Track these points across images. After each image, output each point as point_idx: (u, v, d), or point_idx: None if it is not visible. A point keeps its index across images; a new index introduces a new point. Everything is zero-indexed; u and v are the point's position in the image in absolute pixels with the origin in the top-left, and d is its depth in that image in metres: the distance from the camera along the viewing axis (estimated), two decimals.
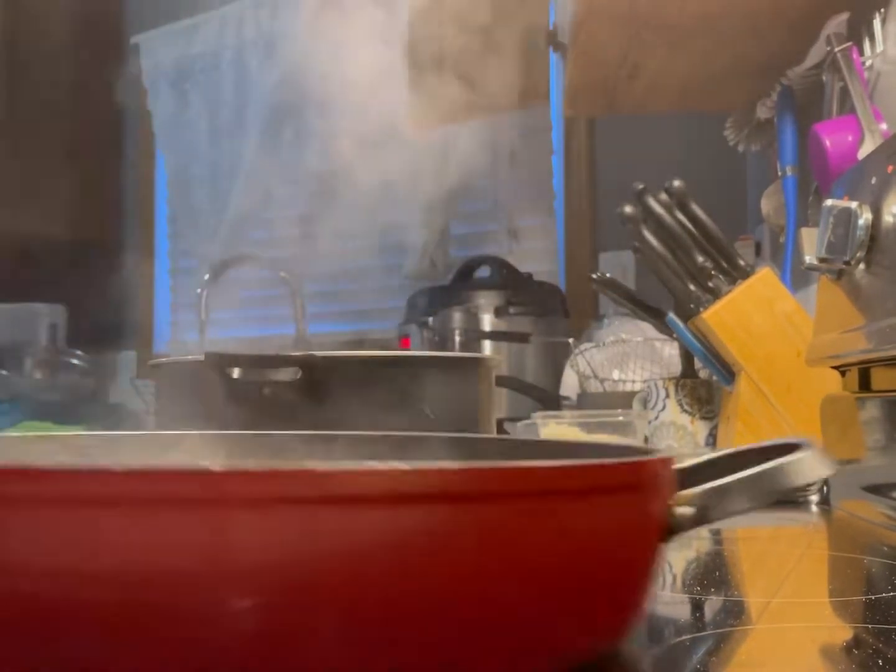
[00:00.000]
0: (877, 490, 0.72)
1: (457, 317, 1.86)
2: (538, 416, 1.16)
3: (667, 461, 0.36)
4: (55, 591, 0.26)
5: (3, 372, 2.47)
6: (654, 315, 1.19)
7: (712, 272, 1.07)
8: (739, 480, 0.36)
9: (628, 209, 1.08)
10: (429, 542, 0.28)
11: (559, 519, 0.30)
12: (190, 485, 0.26)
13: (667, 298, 1.14)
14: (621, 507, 0.33)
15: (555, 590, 0.30)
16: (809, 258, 0.75)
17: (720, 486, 0.36)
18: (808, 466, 0.37)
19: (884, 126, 0.96)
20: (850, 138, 0.96)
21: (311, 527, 0.26)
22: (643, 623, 0.42)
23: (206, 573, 0.26)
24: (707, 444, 1.14)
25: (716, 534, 0.69)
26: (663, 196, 1.09)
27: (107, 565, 0.26)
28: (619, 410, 1.19)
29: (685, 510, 0.36)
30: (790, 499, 0.85)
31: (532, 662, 0.30)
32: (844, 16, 1.07)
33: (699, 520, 0.36)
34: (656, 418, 1.17)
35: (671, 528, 0.36)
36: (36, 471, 0.26)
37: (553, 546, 0.30)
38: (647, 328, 1.38)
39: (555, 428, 1.14)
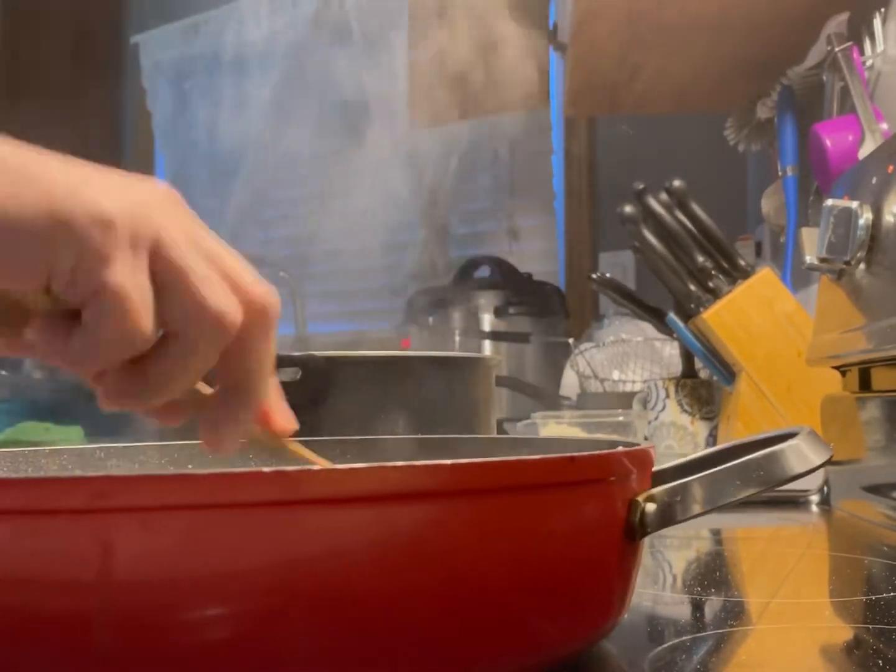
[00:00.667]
0: (877, 490, 0.72)
1: (457, 317, 1.86)
2: (538, 416, 1.16)
3: (631, 455, 0.34)
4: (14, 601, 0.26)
5: (3, 372, 2.47)
6: (654, 315, 1.19)
7: (712, 272, 1.07)
8: (710, 476, 0.34)
9: (628, 209, 1.08)
10: (368, 543, 0.27)
11: (503, 516, 0.29)
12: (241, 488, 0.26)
13: (667, 298, 1.14)
14: (572, 503, 0.31)
15: (507, 587, 0.30)
16: (810, 258, 0.75)
17: (688, 483, 0.34)
18: (795, 456, 0.34)
19: (884, 126, 0.96)
20: (850, 138, 0.96)
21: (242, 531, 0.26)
22: (644, 623, 0.42)
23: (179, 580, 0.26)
24: (707, 445, 1.14)
25: (716, 534, 0.69)
26: (663, 196, 1.08)
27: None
28: (619, 410, 1.19)
29: (651, 506, 0.34)
30: (790, 499, 0.85)
31: (495, 661, 0.30)
32: (844, 15, 1.07)
33: (666, 518, 0.34)
34: (656, 418, 1.17)
35: (638, 526, 0.34)
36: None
37: (500, 543, 0.29)
38: (647, 328, 1.38)
39: (555, 428, 1.14)
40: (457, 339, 1.83)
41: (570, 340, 1.66)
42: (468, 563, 0.29)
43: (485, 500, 0.29)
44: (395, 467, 0.27)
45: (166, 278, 0.32)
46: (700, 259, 1.07)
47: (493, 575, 0.29)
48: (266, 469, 0.26)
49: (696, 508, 0.34)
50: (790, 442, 0.34)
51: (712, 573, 0.55)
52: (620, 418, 1.15)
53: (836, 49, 1.04)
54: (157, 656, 0.26)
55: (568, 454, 0.31)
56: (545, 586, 0.31)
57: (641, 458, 0.35)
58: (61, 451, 0.45)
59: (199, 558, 0.26)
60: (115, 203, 0.31)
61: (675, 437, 1.15)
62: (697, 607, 0.45)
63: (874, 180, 0.70)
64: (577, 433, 1.10)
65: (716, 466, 0.35)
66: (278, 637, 0.27)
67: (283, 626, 0.26)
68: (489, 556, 0.29)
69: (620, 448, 0.34)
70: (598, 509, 0.33)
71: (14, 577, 0.26)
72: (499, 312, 1.87)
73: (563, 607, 0.32)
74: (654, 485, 0.35)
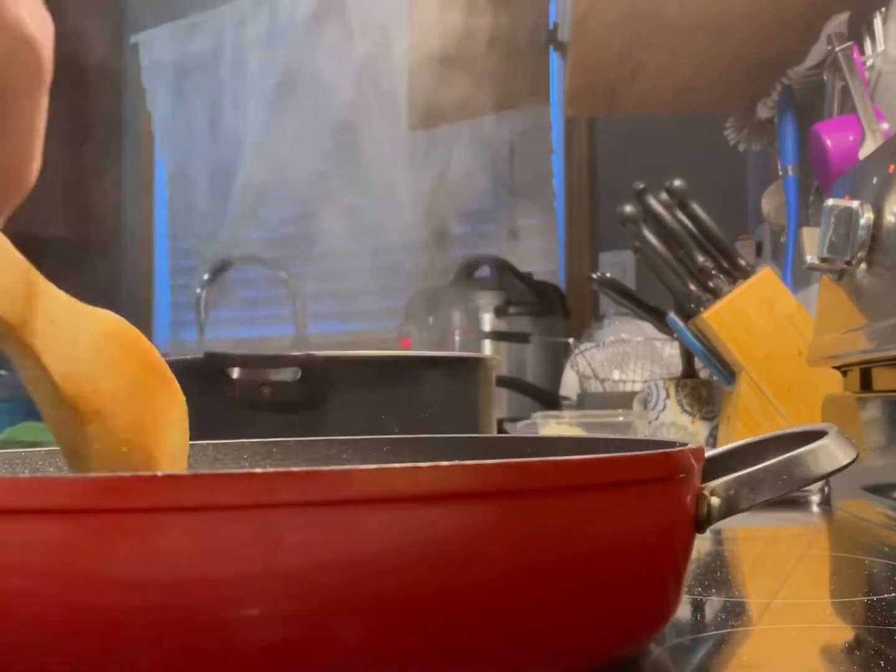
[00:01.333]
0: (877, 490, 0.72)
1: (457, 317, 1.86)
2: (538, 416, 1.16)
3: (697, 451, 0.36)
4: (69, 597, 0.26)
5: (3, 372, 2.47)
6: (654, 315, 1.19)
7: (713, 272, 1.07)
8: (766, 468, 0.36)
9: (628, 209, 1.08)
10: (447, 541, 0.27)
11: (592, 514, 0.30)
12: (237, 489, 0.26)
13: (667, 298, 1.14)
14: (657, 498, 0.33)
15: (593, 587, 0.30)
16: (810, 258, 0.75)
17: (748, 475, 0.36)
18: (831, 453, 0.36)
19: (885, 125, 0.96)
20: (850, 138, 0.96)
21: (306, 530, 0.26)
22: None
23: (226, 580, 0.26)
24: (707, 445, 1.14)
25: (716, 534, 0.68)
26: (663, 196, 1.08)
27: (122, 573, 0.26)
28: (620, 410, 1.19)
29: (715, 500, 0.36)
30: (791, 498, 0.85)
31: (569, 659, 0.30)
32: (845, 15, 1.07)
33: (729, 509, 0.36)
34: (657, 418, 1.17)
35: (704, 519, 0.36)
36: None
37: (587, 542, 0.30)
38: (648, 328, 1.38)
39: (555, 428, 1.14)
40: (457, 339, 1.83)
41: (570, 340, 1.66)
42: (555, 564, 0.29)
43: (578, 499, 0.30)
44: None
45: None
46: (700, 259, 1.07)
47: (576, 577, 0.30)
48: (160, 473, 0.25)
49: (753, 501, 0.36)
50: (825, 440, 0.37)
51: (712, 573, 0.55)
52: (620, 418, 1.15)
53: (837, 49, 1.04)
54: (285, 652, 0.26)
55: (665, 450, 0.33)
56: (631, 587, 0.32)
57: (700, 456, 0.37)
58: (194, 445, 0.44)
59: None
60: None
61: (676, 437, 1.15)
62: (697, 607, 0.44)
63: (875, 180, 0.70)
64: (578, 433, 1.10)
65: (743, 462, 0.37)
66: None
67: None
68: (577, 557, 0.30)
69: (687, 446, 0.36)
70: (683, 503, 0.35)
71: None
72: (499, 312, 1.87)
73: (643, 604, 0.33)
74: None
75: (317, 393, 0.63)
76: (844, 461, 0.37)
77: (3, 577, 0.25)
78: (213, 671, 0.26)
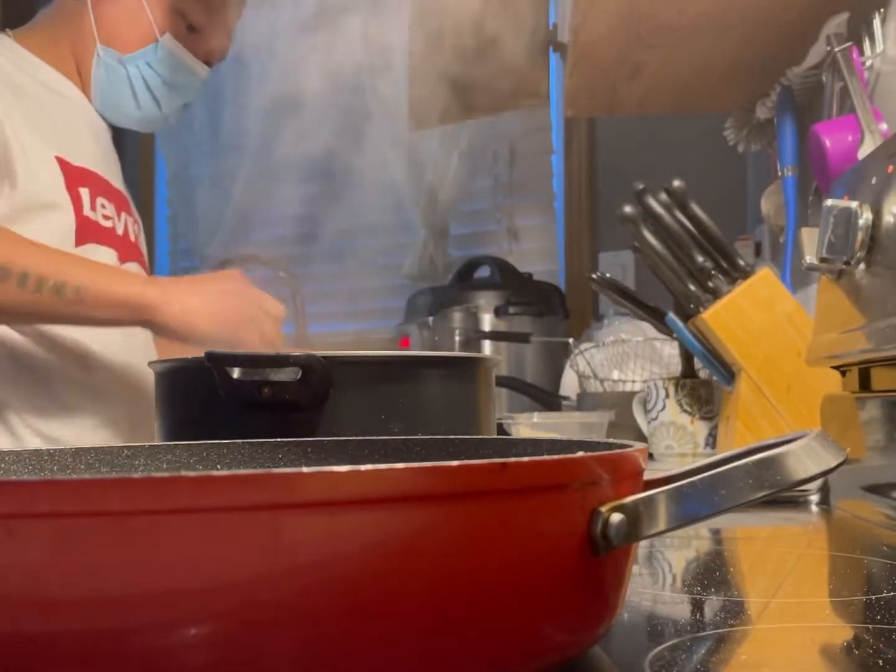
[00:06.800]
0: (877, 490, 0.72)
1: (457, 317, 1.86)
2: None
3: (598, 460, 0.31)
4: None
5: None
6: (654, 315, 1.19)
7: (712, 272, 1.07)
8: (695, 483, 0.31)
9: (628, 209, 1.08)
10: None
11: (444, 524, 0.27)
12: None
13: (667, 298, 1.14)
14: (521, 512, 0.28)
15: (438, 608, 0.27)
16: (810, 258, 0.75)
17: (659, 494, 0.31)
18: (798, 462, 0.32)
19: (884, 126, 0.96)
20: (850, 138, 0.96)
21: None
22: (643, 623, 0.42)
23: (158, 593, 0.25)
24: (707, 445, 1.14)
25: (716, 534, 0.69)
26: (663, 196, 1.09)
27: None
28: (595, 413, 1.20)
29: (617, 517, 0.31)
30: (790, 499, 0.85)
31: None
32: (844, 16, 1.07)
33: (632, 531, 0.31)
34: (656, 418, 1.17)
35: (601, 539, 0.31)
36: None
37: (435, 555, 0.27)
38: (647, 328, 1.38)
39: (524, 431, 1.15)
40: (457, 339, 1.83)
41: (570, 340, 1.66)
42: (394, 576, 0.27)
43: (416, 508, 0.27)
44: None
45: None
46: (700, 259, 1.07)
47: (429, 585, 0.27)
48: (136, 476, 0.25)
49: (663, 524, 0.31)
50: (787, 447, 0.32)
51: (712, 573, 0.55)
52: (595, 419, 1.17)
53: (836, 49, 1.04)
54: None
55: (501, 460, 0.28)
56: (484, 601, 0.28)
57: (614, 463, 0.31)
58: (88, 450, 0.44)
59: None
60: None
61: (675, 437, 1.15)
62: (697, 607, 0.45)
63: (874, 180, 0.70)
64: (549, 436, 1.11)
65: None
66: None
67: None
68: (417, 567, 0.27)
69: (580, 453, 0.31)
70: (563, 519, 0.30)
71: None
72: (499, 312, 1.87)
73: (504, 632, 0.29)
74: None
75: (317, 393, 0.63)
76: (813, 470, 0.32)
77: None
78: None
